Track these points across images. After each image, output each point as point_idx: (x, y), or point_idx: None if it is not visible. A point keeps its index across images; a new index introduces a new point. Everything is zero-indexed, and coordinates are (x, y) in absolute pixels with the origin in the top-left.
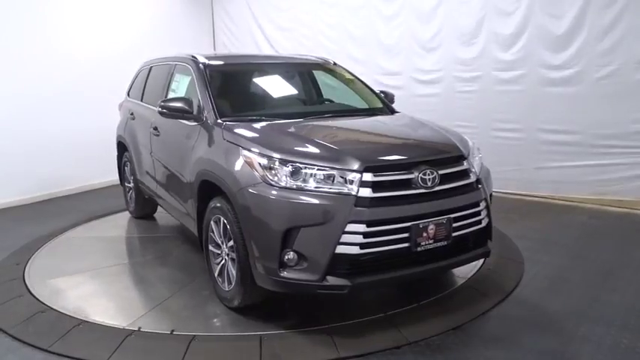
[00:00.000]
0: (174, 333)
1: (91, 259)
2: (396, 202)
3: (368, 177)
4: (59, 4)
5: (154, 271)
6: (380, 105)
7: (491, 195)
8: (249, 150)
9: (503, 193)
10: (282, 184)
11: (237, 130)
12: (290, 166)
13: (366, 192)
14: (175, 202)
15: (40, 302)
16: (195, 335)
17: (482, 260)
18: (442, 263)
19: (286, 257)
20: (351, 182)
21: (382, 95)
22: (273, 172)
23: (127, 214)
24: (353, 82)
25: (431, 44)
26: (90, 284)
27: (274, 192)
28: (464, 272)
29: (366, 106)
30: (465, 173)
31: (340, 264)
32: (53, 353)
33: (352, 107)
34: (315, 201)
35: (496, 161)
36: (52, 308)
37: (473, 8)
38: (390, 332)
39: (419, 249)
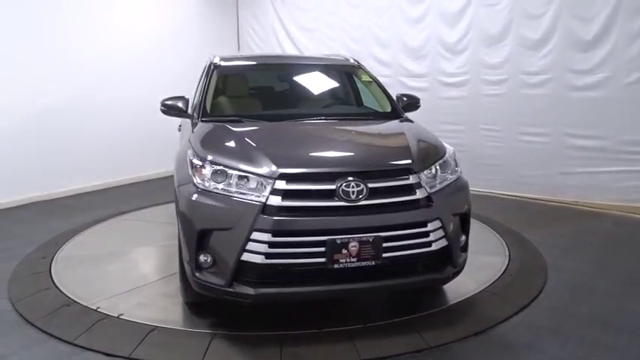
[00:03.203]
0: (121, 318)
1: (121, 243)
2: (310, 214)
3: (281, 184)
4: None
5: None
6: (388, 109)
7: (463, 214)
8: (191, 149)
9: (527, 197)
10: (206, 184)
11: (195, 130)
12: (212, 167)
13: (275, 200)
14: None
15: (65, 295)
16: (215, 333)
17: (504, 266)
18: (369, 285)
19: (201, 259)
20: (265, 189)
21: (403, 99)
22: (199, 172)
23: None
24: (370, 84)
25: (457, 47)
26: (113, 272)
27: (193, 193)
28: (485, 278)
29: (369, 110)
30: (408, 188)
31: (247, 272)
32: (78, 346)
33: (348, 111)
34: (224, 205)
35: (521, 165)
36: (76, 302)
37: (500, 11)
38: (411, 336)
39: (336, 266)
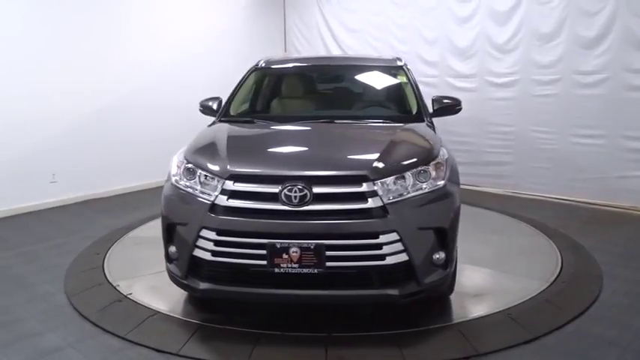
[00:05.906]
0: (129, 296)
1: None
2: (253, 216)
3: (229, 184)
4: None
5: None
6: (414, 112)
7: (439, 229)
8: (185, 146)
9: (580, 202)
10: (179, 181)
11: (205, 129)
12: (185, 165)
13: (222, 199)
14: None
15: (117, 291)
16: (260, 333)
17: (556, 272)
18: (313, 293)
19: (170, 251)
20: (217, 188)
21: (443, 101)
22: (177, 169)
23: None
24: (406, 85)
25: (507, 46)
26: (149, 256)
27: (168, 188)
28: (534, 285)
29: (387, 113)
30: (359, 197)
31: (199, 267)
32: (129, 341)
33: (363, 114)
34: (183, 202)
35: (574, 168)
36: (128, 297)
37: (554, 9)
38: (459, 342)
39: (277, 270)
